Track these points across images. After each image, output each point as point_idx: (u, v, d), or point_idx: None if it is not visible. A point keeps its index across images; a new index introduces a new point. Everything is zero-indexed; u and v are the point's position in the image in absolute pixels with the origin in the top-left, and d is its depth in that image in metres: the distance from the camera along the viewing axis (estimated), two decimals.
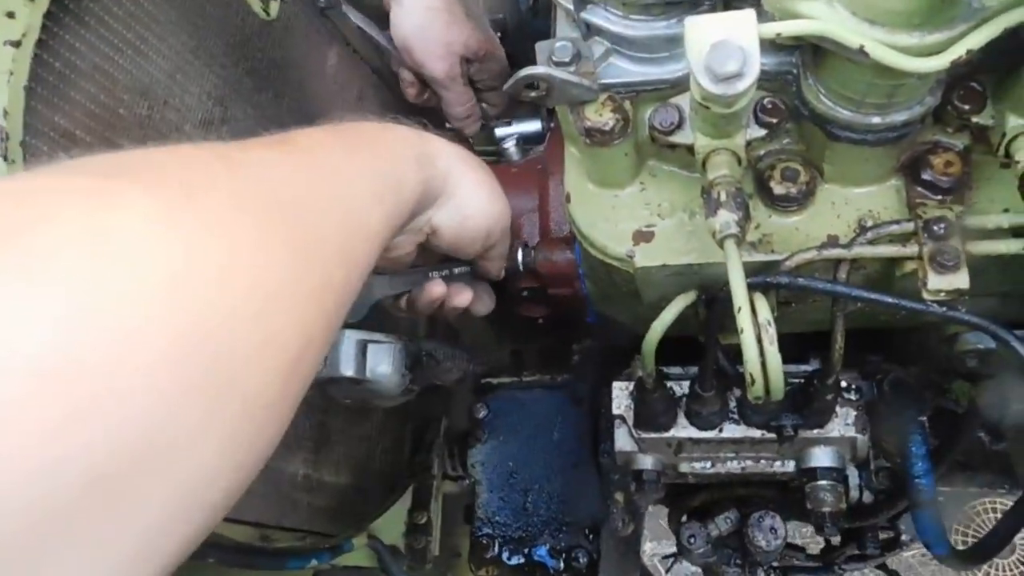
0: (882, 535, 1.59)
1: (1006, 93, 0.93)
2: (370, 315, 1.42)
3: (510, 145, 1.48)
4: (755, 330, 0.88)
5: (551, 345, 2.02)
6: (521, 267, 1.30)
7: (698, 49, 0.80)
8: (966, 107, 0.95)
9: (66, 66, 0.97)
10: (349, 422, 1.74)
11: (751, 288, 0.93)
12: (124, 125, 1.10)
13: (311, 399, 1.55)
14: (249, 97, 1.41)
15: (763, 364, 0.88)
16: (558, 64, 0.98)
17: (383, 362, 1.30)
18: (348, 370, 1.27)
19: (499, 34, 1.59)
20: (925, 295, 0.94)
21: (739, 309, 0.88)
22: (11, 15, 0.84)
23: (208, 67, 1.30)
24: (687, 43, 0.80)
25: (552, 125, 1.56)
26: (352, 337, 1.28)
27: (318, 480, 1.62)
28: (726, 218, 0.92)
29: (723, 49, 0.78)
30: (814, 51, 0.93)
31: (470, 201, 1.04)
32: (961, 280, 0.92)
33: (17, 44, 0.84)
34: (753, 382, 0.88)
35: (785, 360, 0.94)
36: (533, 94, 0.97)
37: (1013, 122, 0.92)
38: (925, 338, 1.36)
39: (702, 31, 0.80)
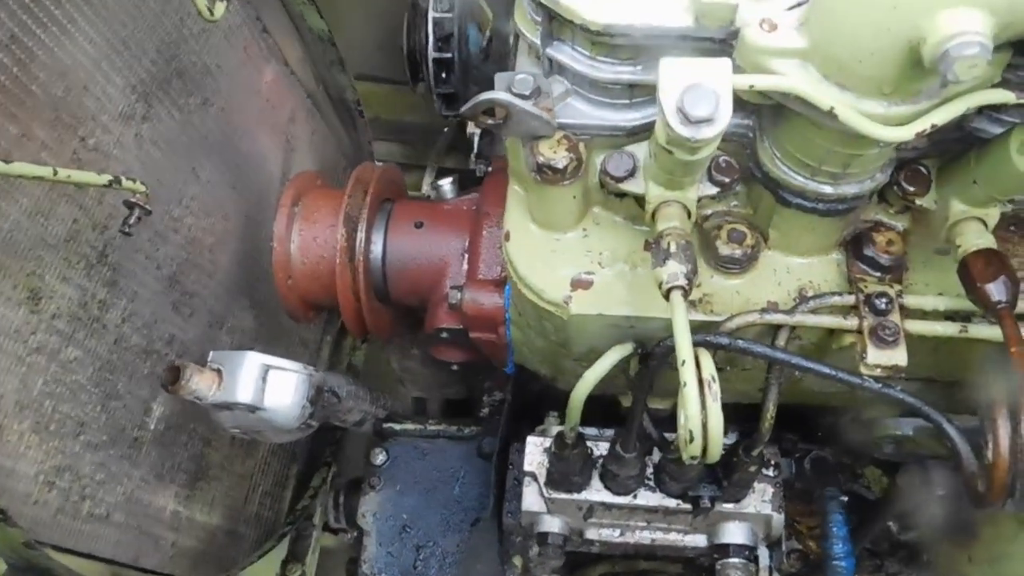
0: None
1: (951, 179, 0.95)
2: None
3: (446, 183, 1.44)
4: (699, 385, 0.85)
5: (457, 397, 1.96)
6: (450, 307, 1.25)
7: (671, 90, 0.78)
8: (911, 188, 0.97)
9: None
10: (231, 457, 1.61)
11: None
12: (35, 103, 1.01)
13: (194, 427, 1.46)
14: (176, 99, 1.32)
15: (704, 421, 0.85)
16: (518, 96, 0.95)
17: (285, 391, 1.21)
18: (245, 396, 1.17)
19: (444, 73, 1.56)
20: (863, 369, 0.93)
21: (683, 362, 0.85)
22: None
23: (138, 60, 1.21)
24: (660, 83, 0.78)
25: (490, 168, 1.54)
26: (255, 361, 1.19)
27: (188, 518, 1.49)
28: (675, 269, 0.89)
29: (697, 92, 0.77)
30: (774, 113, 0.93)
31: None
32: (900, 356, 0.92)
33: None
34: (691, 439, 0.85)
35: None
36: (490, 121, 0.93)
37: (956, 207, 0.94)
38: (839, 420, 1.37)
39: (677, 73, 0.78)
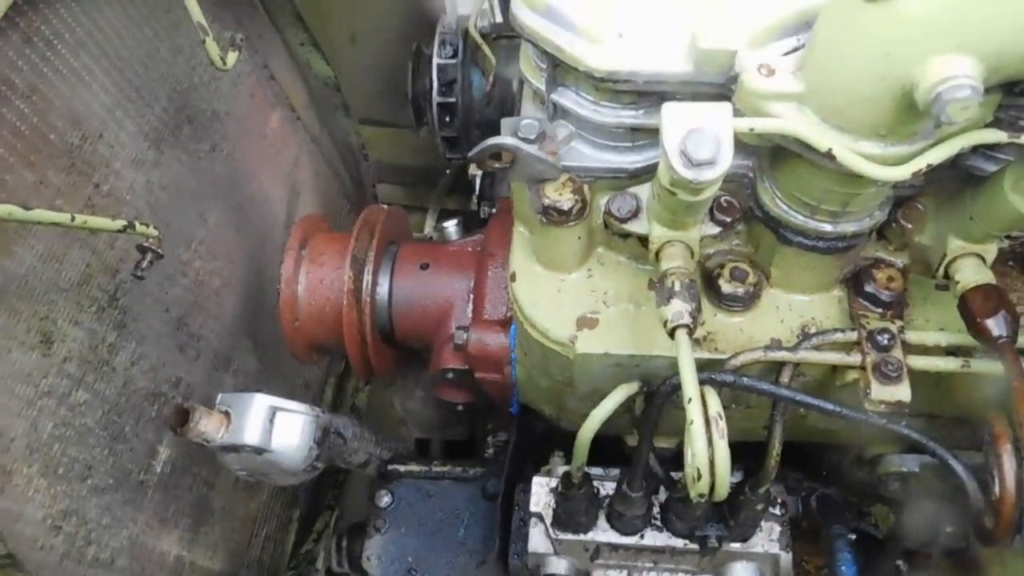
0: None
1: (948, 216, 0.97)
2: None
3: (450, 225, 1.47)
4: (705, 423, 0.86)
5: (459, 438, 1.96)
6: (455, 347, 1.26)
7: (674, 134, 0.80)
8: (909, 225, 0.99)
9: (3, 82, 0.91)
10: (234, 500, 1.61)
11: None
12: (52, 151, 1.03)
13: (198, 470, 1.46)
14: (186, 144, 1.35)
15: (711, 459, 0.85)
16: (523, 140, 0.97)
17: (292, 433, 1.21)
18: (252, 438, 1.18)
19: (447, 117, 1.60)
20: (867, 405, 0.94)
21: (689, 400, 0.86)
22: None
23: (150, 107, 1.24)
24: (663, 127, 0.81)
25: (494, 210, 1.56)
26: (262, 402, 1.20)
27: (191, 563, 1.48)
28: (679, 308, 0.91)
29: (699, 136, 0.79)
30: (773, 155, 0.95)
31: None
32: (903, 392, 0.93)
33: None
34: (699, 477, 0.85)
35: None
36: (497, 165, 0.95)
37: (954, 244, 0.96)
38: (842, 459, 1.37)
39: (679, 117, 0.80)
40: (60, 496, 1.12)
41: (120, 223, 1.00)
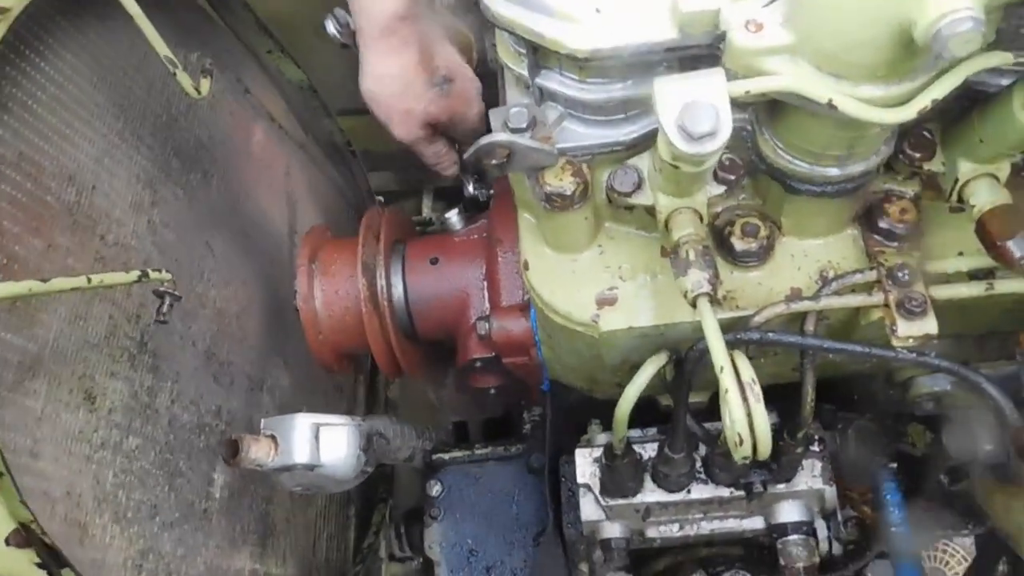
0: None
1: (956, 140, 0.95)
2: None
3: (452, 215, 1.46)
4: (740, 390, 0.86)
5: (495, 415, 1.98)
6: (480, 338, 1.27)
7: (669, 110, 0.79)
8: (917, 155, 0.97)
9: None
10: (293, 510, 1.65)
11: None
12: (52, 213, 1.03)
13: (254, 489, 1.48)
14: (178, 178, 1.35)
15: (750, 424, 0.86)
16: (514, 130, 0.96)
17: (338, 445, 1.23)
18: (302, 457, 1.20)
19: None
20: (895, 342, 0.94)
21: (721, 369, 0.87)
22: None
23: (136, 150, 1.24)
24: (657, 104, 0.79)
25: (491, 192, 1.55)
26: (305, 421, 1.21)
27: (265, 574, 1.52)
28: (697, 277, 0.91)
29: (696, 109, 0.78)
30: (770, 106, 0.94)
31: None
32: (930, 325, 0.93)
33: None
34: (741, 442, 0.86)
35: None
36: (495, 162, 0.94)
37: (965, 167, 0.94)
38: (871, 385, 1.37)
39: (672, 92, 0.79)
40: (135, 538, 1.14)
41: (134, 274, 1.01)
